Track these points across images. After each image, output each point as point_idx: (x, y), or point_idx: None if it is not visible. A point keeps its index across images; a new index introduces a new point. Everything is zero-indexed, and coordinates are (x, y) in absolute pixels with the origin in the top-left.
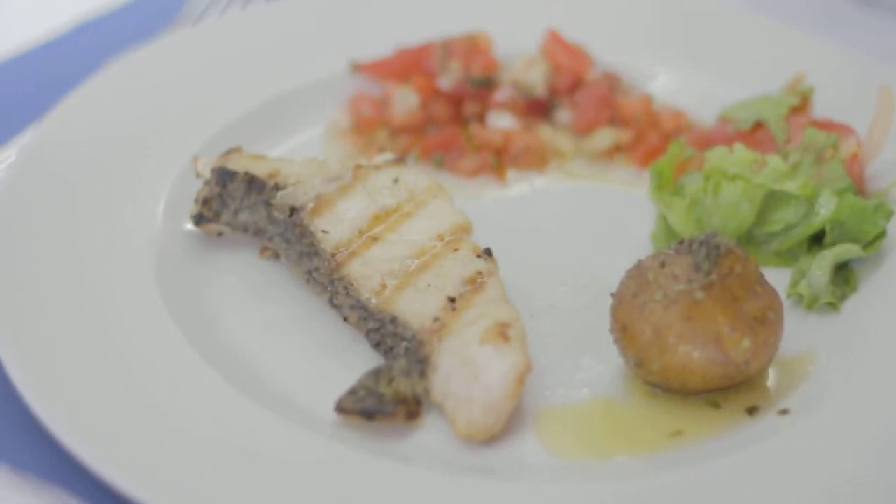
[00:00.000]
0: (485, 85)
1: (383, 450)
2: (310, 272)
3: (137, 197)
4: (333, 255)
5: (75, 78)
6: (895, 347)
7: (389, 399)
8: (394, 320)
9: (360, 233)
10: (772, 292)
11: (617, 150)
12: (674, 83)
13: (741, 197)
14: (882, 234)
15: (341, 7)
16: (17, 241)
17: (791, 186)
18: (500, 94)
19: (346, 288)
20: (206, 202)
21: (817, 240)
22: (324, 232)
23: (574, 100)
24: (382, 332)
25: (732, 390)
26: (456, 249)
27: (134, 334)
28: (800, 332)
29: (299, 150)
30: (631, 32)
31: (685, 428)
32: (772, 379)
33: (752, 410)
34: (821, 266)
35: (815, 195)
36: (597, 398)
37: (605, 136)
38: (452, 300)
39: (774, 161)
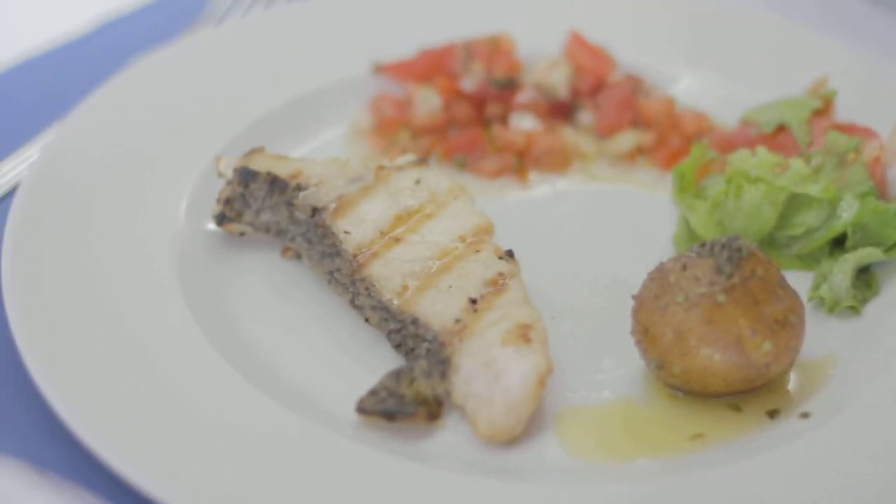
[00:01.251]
0: (507, 86)
1: (404, 451)
2: (331, 273)
3: (159, 197)
4: (355, 256)
5: (97, 78)
6: None
7: (410, 400)
8: (415, 321)
9: (382, 234)
10: (793, 295)
11: (639, 152)
12: (696, 86)
13: (763, 200)
14: None
15: (364, 7)
16: (39, 241)
17: (813, 190)
18: (523, 96)
19: (367, 289)
20: (228, 202)
21: (839, 243)
22: (346, 233)
23: (596, 102)
24: (404, 333)
25: (753, 393)
26: (477, 251)
27: (156, 334)
28: (821, 335)
29: (321, 151)
30: (653, 35)
31: (706, 431)
32: (793, 382)
33: (772, 413)
34: (842, 269)
35: (837, 199)
36: (618, 400)
37: (627, 139)
38: (474, 301)
39: (796, 164)
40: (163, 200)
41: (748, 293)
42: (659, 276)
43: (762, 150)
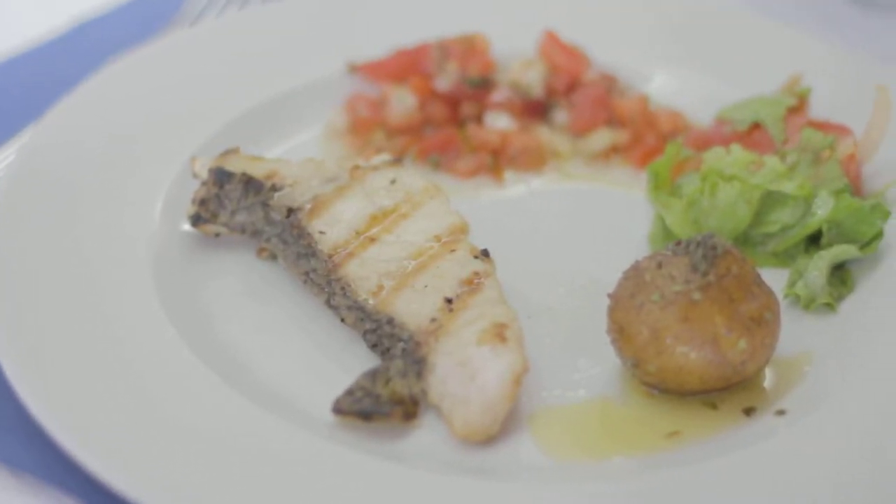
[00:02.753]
0: (482, 86)
1: (380, 450)
2: (307, 273)
3: (135, 197)
4: (331, 256)
5: (73, 78)
6: (892, 348)
7: (386, 400)
8: (391, 321)
9: (358, 234)
10: (769, 293)
11: (614, 150)
12: (671, 84)
13: (738, 198)
14: (879, 235)
15: (338, 8)
16: (14, 241)
17: (788, 187)
18: (498, 95)
19: (343, 289)
20: (203, 203)
21: (814, 240)
22: (321, 233)
23: (571, 101)
24: (379, 332)
25: (729, 391)
26: (453, 250)
27: (131, 335)
28: (797, 332)
29: (297, 151)
30: (628, 33)
31: (682, 428)
32: (769, 379)
33: (748, 411)
34: (818, 267)
35: (812, 196)
36: (594, 399)
37: (602, 137)
38: (449, 301)
39: (771, 162)
40: (138, 201)
41: (723, 291)
42: (634, 275)
43: (737, 148)
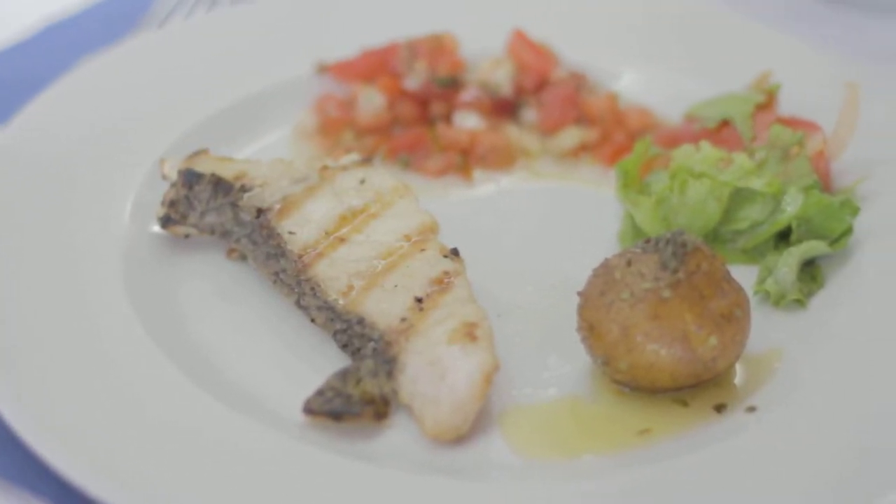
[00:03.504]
0: (451, 85)
1: (351, 450)
2: (277, 273)
3: (104, 199)
4: (300, 257)
5: (42, 80)
6: (862, 344)
7: (357, 400)
8: (361, 321)
9: (327, 234)
10: (738, 289)
11: (583, 149)
12: (640, 82)
13: (707, 195)
14: (848, 231)
15: (307, 8)
16: None
17: (757, 184)
18: (466, 95)
19: (313, 289)
20: (172, 204)
21: (784, 237)
22: (290, 233)
23: (540, 99)
24: (350, 332)
25: (700, 388)
26: (423, 250)
27: (101, 336)
28: (767, 329)
29: (266, 152)
30: (596, 31)
31: (653, 426)
32: (739, 376)
33: (719, 408)
34: (787, 263)
35: (782, 192)
36: (564, 397)
37: (571, 136)
38: (419, 300)
39: (740, 159)
40: (107, 203)
41: (693, 288)
42: (604, 273)
43: (706, 146)
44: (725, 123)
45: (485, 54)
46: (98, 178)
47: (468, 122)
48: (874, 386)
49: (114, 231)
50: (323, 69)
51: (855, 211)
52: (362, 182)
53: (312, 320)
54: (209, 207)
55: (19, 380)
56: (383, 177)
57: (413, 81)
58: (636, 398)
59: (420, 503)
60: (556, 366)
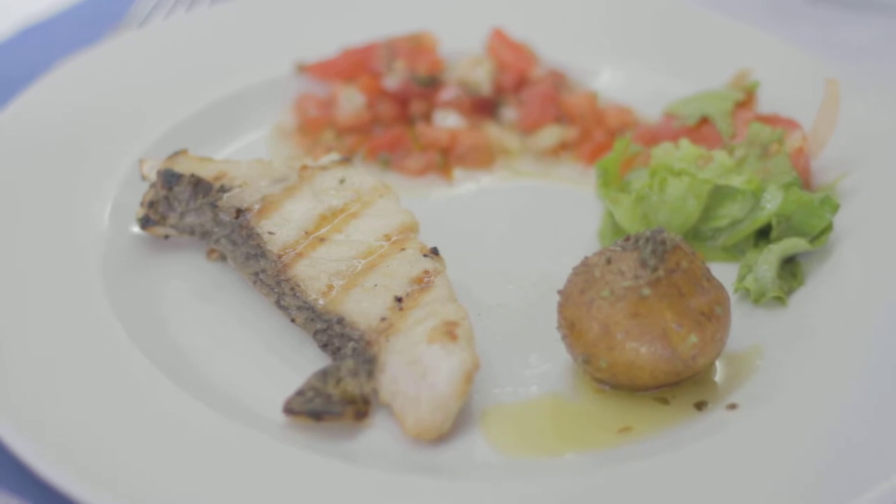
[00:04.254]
0: (430, 84)
1: (332, 450)
2: (257, 274)
3: (84, 200)
4: (280, 257)
5: (21, 81)
6: (842, 341)
7: (338, 399)
8: (341, 321)
9: (307, 234)
10: (718, 287)
11: (563, 147)
12: (619, 80)
13: (687, 192)
14: (828, 228)
15: (286, 8)
16: None
17: (737, 181)
18: (446, 94)
19: (292, 289)
20: (152, 205)
21: (764, 234)
22: (270, 233)
23: (520, 98)
24: (330, 332)
25: (680, 386)
26: (403, 249)
27: (81, 337)
28: (747, 326)
29: (245, 152)
30: (575, 29)
31: (634, 424)
32: (720, 374)
33: (700, 405)
34: (767, 260)
35: (761, 190)
36: (545, 395)
37: (550, 134)
38: (399, 300)
39: (720, 156)
40: (87, 204)
41: (673, 286)
42: (584, 271)
43: (685, 143)
44: (705, 121)
45: (464, 53)
46: (77, 179)
47: (448, 121)
48: (854, 383)
49: (93, 232)
50: (302, 69)
51: (835, 208)
52: (342, 182)
53: (292, 320)
54: (189, 208)
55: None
56: (363, 176)
57: (393, 81)
58: (617, 396)
59: (401, 502)
60: (537, 364)
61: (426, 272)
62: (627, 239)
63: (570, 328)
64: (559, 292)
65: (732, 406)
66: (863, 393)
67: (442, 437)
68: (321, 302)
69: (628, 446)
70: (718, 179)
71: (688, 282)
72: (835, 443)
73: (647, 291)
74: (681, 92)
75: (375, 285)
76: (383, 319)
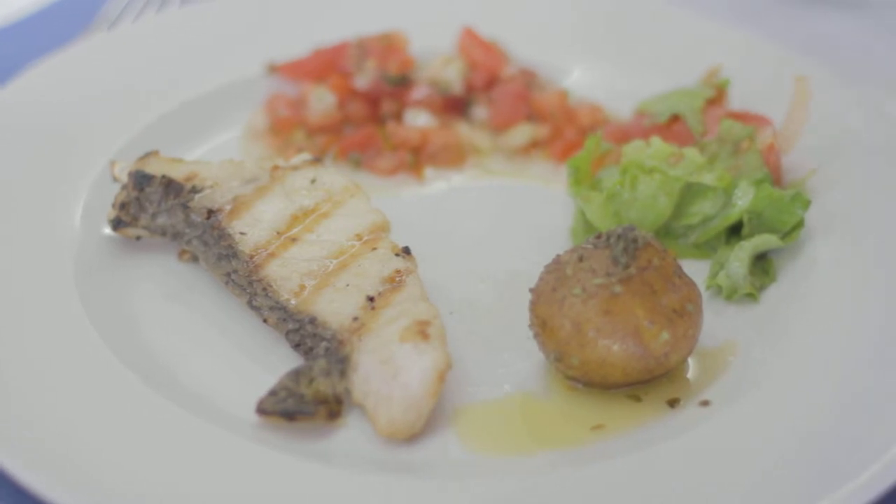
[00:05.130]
0: (401, 83)
1: (305, 450)
2: (228, 274)
3: (55, 202)
4: (252, 257)
5: None
6: (814, 337)
7: (310, 399)
8: (313, 321)
9: (278, 234)
10: (690, 284)
11: (534, 145)
12: (589, 78)
13: (658, 190)
14: (800, 224)
15: (257, 9)
16: None
17: (708, 178)
18: (417, 93)
19: (264, 289)
20: (123, 206)
21: (735, 231)
22: (241, 234)
23: (490, 97)
24: (302, 332)
25: (653, 383)
26: (374, 248)
27: (53, 338)
28: (719, 323)
29: (216, 153)
30: (546, 28)
31: (606, 421)
32: (692, 371)
33: (673, 402)
34: (739, 257)
35: (733, 186)
36: (517, 394)
37: (521, 133)
38: (371, 299)
39: (691, 154)
40: (59, 206)
41: (645, 283)
42: (556, 269)
43: (657, 141)
44: (676, 118)
45: (435, 52)
46: (48, 181)
47: (419, 120)
48: (826, 379)
49: (65, 234)
50: (273, 69)
51: (806, 204)
52: (313, 181)
53: (265, 320)
54: (160, 209)
55: None
56: (334, 176)
57: (363, 80)
58: (589, 394)
59: (374, 502)
60: (509, 362)
61: (398, 271)
62: (599, 237)
63: (542, 326)
64: (531, 290)
65: (705, 403)
66: (834, 389)
67: (414, 436)
68: (293, 302)
69: (601, 444)
70: (690, 177)
71: (659, 279)
72: (807, 439)
73: (618, 289)
74: (652, 89)
75: (347, 285)
76: (355, 319)
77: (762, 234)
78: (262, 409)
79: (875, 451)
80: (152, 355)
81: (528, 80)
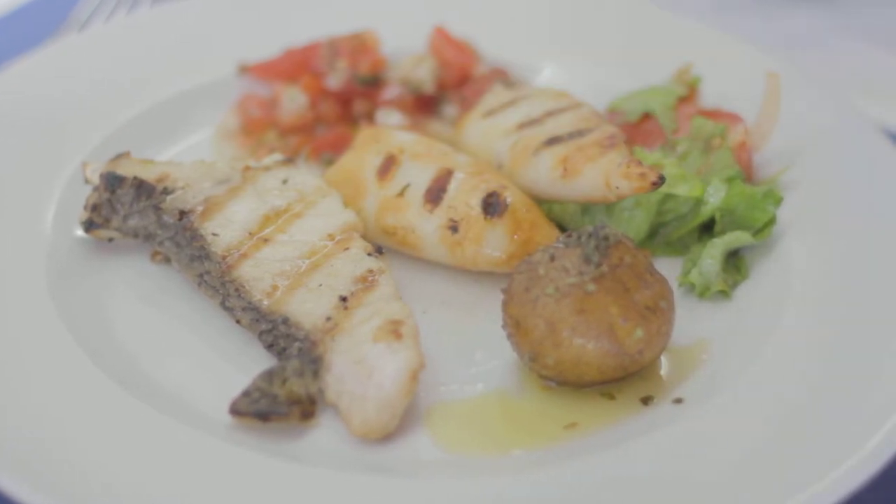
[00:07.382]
0: (373, 83)
1: (279, 450)
2: (201, 275)
3: (27, 204)
4: (224, 258)
5: None
6: (787, 334)
7: (284, 400)
8: (286, 321)
9: (251, 234)
10: (662, 281)
11: None
12: (561, 75)
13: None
14: (772, 221)
15: (228, 9)
16: None
17: (682, 190)
18: (389, 92)
19: (237, 290)
20: (95, 208)
21: (708, 228)
22: (214, 235)
23: (462, 95)
24: (275, 333)
25: (627, 381)
26: (346, 248)
27: (25, 341)
28: (692, 320)
29: (188, 154)
30: (516, 26)
31: (580, 419)
32: (665, 368)
33: (646, 400)
34: (712, 254)
35: (705, 185)
36: (491, 392)
37: None
38: (344, 299)
39: (668, 166)
40: (30, 208)
41: (617, 281)
42: (528, 269)
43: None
44: (647, 116)
45: (407, 52)
46: (20, 183)
47: (391, 119)
48: (798, 376)
49: (37, 236)
50: (244, 69)
51: (778, 201)
52: (285, 182)
53: (238, 321)
54: (132, 210)
55: None
56: (306, 176)
57: (335, 80)
58: (563, 392)
59: (348, 501)
60: (483, 361)
61: (370, 271)
62: (570, 235)
63: (516, 327)
64: (503, 291)
65: (678, 400)
66: (807, 386)
67: (388, 435)
68: (266, 302)
69: (575, 442)
70: (665, 189)
71: (632, 276)
72: (780, 436)
73: (591, 287)
74: (623, 87)
75: (320, 285)
76: (328, 319)
77: (734, 232)
78: (235, 410)
79: (848, 448)
80: (126, 357)
81: (500, 78)
